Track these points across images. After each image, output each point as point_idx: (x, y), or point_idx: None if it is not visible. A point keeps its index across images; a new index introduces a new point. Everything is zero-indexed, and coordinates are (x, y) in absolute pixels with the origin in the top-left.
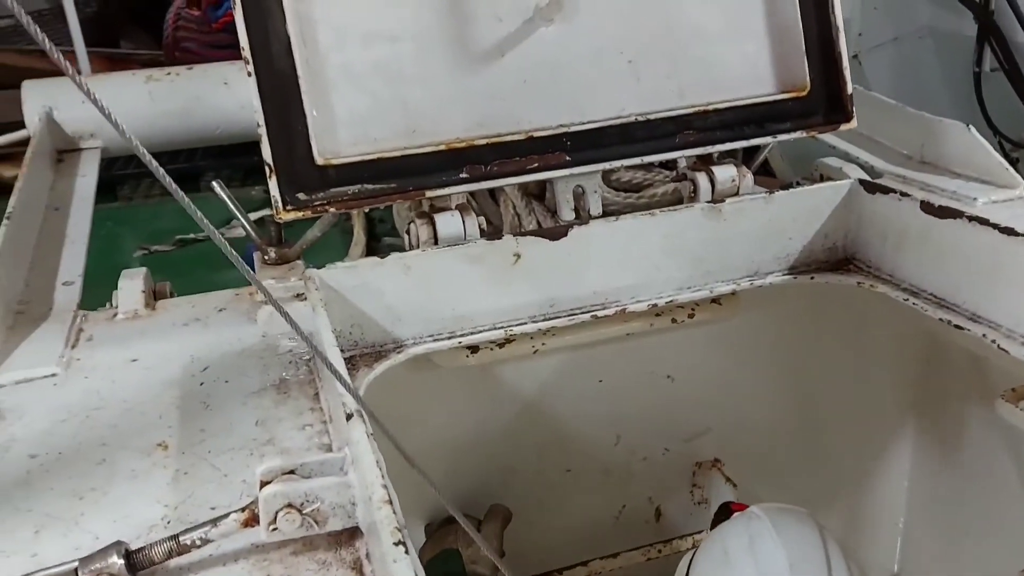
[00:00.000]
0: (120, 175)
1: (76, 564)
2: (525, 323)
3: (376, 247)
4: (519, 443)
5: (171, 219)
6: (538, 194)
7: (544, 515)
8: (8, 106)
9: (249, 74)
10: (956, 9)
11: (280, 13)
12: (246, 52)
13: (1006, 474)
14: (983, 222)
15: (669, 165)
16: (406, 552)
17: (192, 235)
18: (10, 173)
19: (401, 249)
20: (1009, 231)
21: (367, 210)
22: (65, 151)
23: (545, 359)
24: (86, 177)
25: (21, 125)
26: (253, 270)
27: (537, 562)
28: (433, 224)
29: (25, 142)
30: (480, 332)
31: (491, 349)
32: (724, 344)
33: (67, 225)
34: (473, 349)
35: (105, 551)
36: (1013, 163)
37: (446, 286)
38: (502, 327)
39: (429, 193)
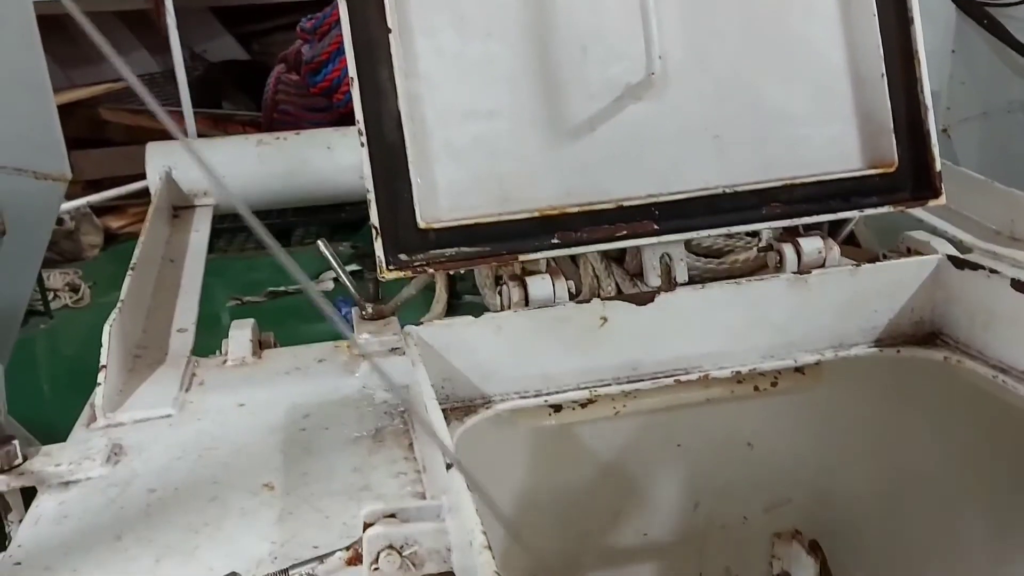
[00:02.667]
0: (217, 228)
1: None
2: (609, 385)
3: (456, 304)
4: (596, 505)
5: (263, 271)
6: (618, 258)
7: (618, 574)
8: (121, 161)
9: (362, 144)
10: None
11: (393, 92)
12: (360, 125)
13: None
14: None
15: (752, 231)
16: None
17: (283, 287)
18: (117, 224)
19: (479, 306)
20: None
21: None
22: (180, 207)
23: (625, 421)
24: (199, 232)
25: (132, 179)
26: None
27: None
28: (524, 287)
29: (136, 195)
30: (565, 392)
31: (573, 409)
32: (806, 414)
33: (181, 276)
34: (556, 408)
35: None
36: None
37: (534, 346)
38: (586, 387)
39: (522, 257)
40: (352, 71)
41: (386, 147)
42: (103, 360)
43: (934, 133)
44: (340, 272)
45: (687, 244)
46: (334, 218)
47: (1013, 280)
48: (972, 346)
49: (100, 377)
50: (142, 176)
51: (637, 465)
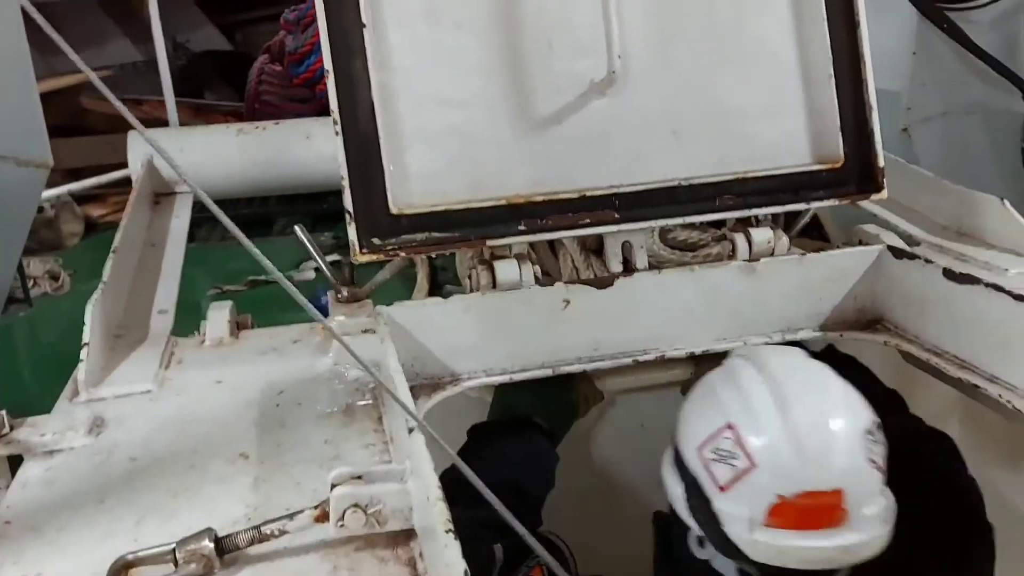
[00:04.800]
0: (197, 218)
1: (174, 545)
2: (572, 363)
3: (438, 294)
4: (561, 484)
5: (243, 261)
6: (596, 249)
7: (585, 553)
8: (102, 150)
9: (337, 133)
10: (1005, 87)
11: (366, 82)
12: (335, 115)
13: None
14: (998, 289)
15: (719, 226)
16: (455, 538)
17: (263, 276)
18: (97, 212)
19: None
20: (1021, 298)
21: (433, 255)
22: (162, 194)
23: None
24: (179, 218)
25: (113, 167)
26: (324, 311)
27: None
28: (492, 270)
29: (117, 183)
30: (529, 370)
31: None
32: None
33: (162, 260)
34: None
35: (198, 536)
36: None
37: (501, 326)
38: (550, 367)
39: (490, 242)
40: (328, 64)
41: (360, 136)
42: (85, 338)
43: (878, 132)
44: (316, 256)
45: (663, 238)
46: (316, 208)
47: (945, 269)
48: (909, 331)
49: (83, 354)
50: (123, 165)
51: (600, 445)
